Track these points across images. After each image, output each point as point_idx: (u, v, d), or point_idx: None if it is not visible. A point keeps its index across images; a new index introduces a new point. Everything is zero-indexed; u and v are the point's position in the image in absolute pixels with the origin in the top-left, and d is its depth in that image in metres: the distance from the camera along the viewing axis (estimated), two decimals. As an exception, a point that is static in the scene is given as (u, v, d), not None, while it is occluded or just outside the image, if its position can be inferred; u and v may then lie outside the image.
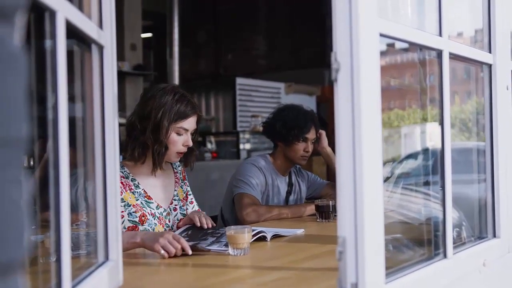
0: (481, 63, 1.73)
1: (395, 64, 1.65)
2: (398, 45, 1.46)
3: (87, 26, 1.13)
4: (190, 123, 2.13)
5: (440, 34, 1.43)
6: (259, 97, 7.60)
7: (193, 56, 9.25)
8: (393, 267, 1.23)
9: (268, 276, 1.56)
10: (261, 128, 3.30)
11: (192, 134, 2.17)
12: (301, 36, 8.63)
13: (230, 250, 1.78)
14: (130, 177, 2.13)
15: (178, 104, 2.09)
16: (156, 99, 2.09)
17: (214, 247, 1.85)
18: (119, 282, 1.31)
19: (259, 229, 2.06)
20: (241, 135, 7.03)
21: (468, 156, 1.93)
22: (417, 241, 1.61)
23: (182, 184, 2.31)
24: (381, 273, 1.13)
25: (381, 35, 1.16)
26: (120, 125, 1.51)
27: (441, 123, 1.44)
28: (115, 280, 1.28)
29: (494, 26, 1.72)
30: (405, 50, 1.62)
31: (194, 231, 2.05)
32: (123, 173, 2.11)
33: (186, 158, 2.23)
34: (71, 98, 1.05)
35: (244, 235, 1.77)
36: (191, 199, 2.34)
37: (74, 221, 1.06)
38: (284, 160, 2.85)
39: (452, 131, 1.46)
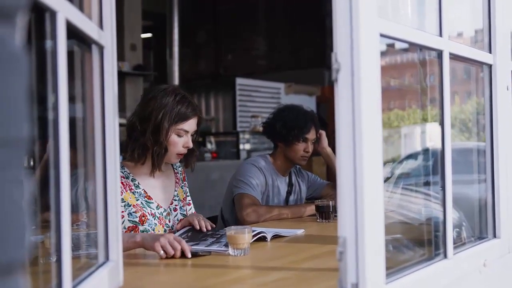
0: (481, 63, 1.73)
1: (395, 64, 1.65)
2: (398, 45, 1.46)
3: (88, 26, 1.13)
4: (190, 125, 2.13)
5: (440, 34, 1.43)
6: (259, 97, 7.61)
7: (193, 56, 9.26)
8: (393, 267, 1.23)
9: (268, 276, 1.56)
10: (261, 129, 3.30)
11: (192, 135, 2.17)
12: (301, 36, 8.63)
13: (230, 251, 1.78)
14: (131, 177, 2.13)
15: (179, 106, 2.09)
16: (157, 100, 2.09)
17: (214, 247, 1.85)
18: (119, 283, 1.31)
19: (259, 229, 2.06)
20: (241, 135, 7.03)
21: (468, 156, 1.93)
22: (417, 242, 1.61)
23: (182, 184, 2.31)
24: (381, 273, 1.13)
25: (382, 35, 1.16)
26: (120, 125, 1.51)
27: (441, 123, 1.44)
28: (115, 280, 1.28)
29: (494, 26, 1.72)
30: (405, 50, 1.62)
31: (194, 233, 2.05)
32: (123, 173, 2.11)
33: (187, 159, 2.23)
34: (72, 98, 1.05)
35: (244, 235, 1.77)
36: (189, 200, 2.34)
37: (74, 222, 1.06)
38: (284, 160, 2.85)
39: (452, 131, 1.46)
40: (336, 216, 2.45)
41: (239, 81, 7.52)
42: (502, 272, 1.76)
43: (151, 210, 2.12)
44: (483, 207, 1.77)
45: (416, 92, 1.81)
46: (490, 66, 1.73)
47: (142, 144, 2.08)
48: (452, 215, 1.44)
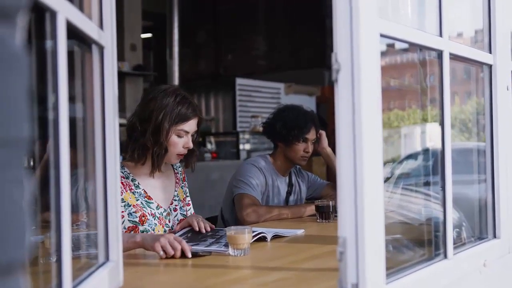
0: (481, 63, 1.73)
1: (395, 64, 1.65)
2: (398, 45, 1.46)
3: (88, 26, 1.13)
4: (191, 126, 2.13)
5: (441, 35, 1.43)
6: (259, 98, 7.60)
7: (193, 56, 9.25)
8: (393, 267, 1.23)
9: (269, 276, 1.56)
10: (261, 129, 3.30)
11: (192, 136, 2.17)
12: (301, 37, 8.63)
13: (230, 251, 1.78)
14: (131, 177, 2.13)
15: (179, 106, 2.09)
16: (157, 100, 2.08)
17: (214, 247, 1.85)
18: (120, 283, 1.31)
19: (259, 229, 2.06)
20: (241, 136, 7.03)
21: (468, 156, 1.93)
22: (417, 242, 1.61)
23: (182, 185, 2.31)
24: (381, 273, 1.13)
25: (382, 35, 1.16)
26: (120, 125, 1.51)
27: (442, 124, 1.44)
28: (115, 280, 1.28)
29: (495, 26, 1.72)
30: (405, 50, 1.62)
31: (193, 234, 2.06)
32: (123, 173, 2.11)
33: (187, 159, 2.23)
34: (72, 98, 1.05)
35: (244, 235, 1.77)
36: (188, 201, 2.34)
37: (74, 222, 1.06)
38: (284, 160, 2.85)
39: (452, 131, 1.46)
40: (336, 216, 2.45)
41: (239, 81, 7.52)
42: (502, 272, 1.76)
43: (151, 210, 2.12)
44: (483, 207, 1.77)
45: (416, 92, 1.81)
46: (490, 66, 1.73)
47: (142, 144, 2.08)
48: (452, 215, 1.44)
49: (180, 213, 2.24)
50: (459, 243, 1.58)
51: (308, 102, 6.85)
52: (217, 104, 8.01)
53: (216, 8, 9.39)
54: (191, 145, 2.15)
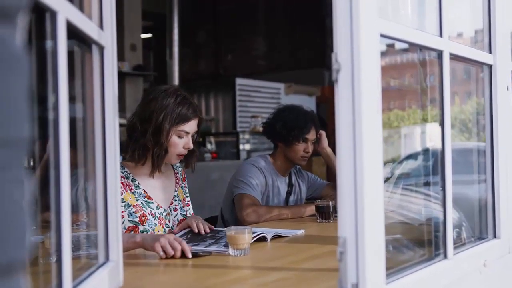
0: (481, 63, 1.73)
1: (395, 64, 1.65)
2: (398, 45, 1.46)
3: (88, 26, 1.13)
4: (191, 126, 2.13)
5: (441, 35, 1.43)
6: (259, 98, 7.60)
7: (193, 56, 9.25)
8: (393, 267, 1.23)
9: (269, 276, 1.56)
10: (261, 129, 3.30)
11: (192, 136, 2.17)
12: (301, 37, 8.63)
13: (230, 251, 1.78)
14: (131, 178, 2.13)
15: (180, 107, 2.09)
16: (158, 101, 2.08)
17: (214, 248, 1.85)
18: (120, 283, 1.31)
19: (259, 230, 2.06)
20: (241, 136, 7.03)
21: (468, 156, 1.93)
22: (417, 242, 1.61)
23: (182, 185, 2.31)
24: (381, 273, 1.13)
25: (382, 35, 1.16)
26: (120, 125, 1.51)
27: (442, 124, 1.44)
28: (115, 280, 1.28)
29: (495, 26, 1.72)
30: (405, 50, 1.62)
31: (193, 235, 2.06)
32: (123, 173, 2.11)
33: (187, 159, 2.23)
34: (72, 98, 1.05)
35: (244, 235, 1.77)
36: (188, 201, 2.34)
37: (74, 222, 1.06)
38: (284, 160, 2.85)
39: (452, 131, 1.46)
40: (336, 216, 2.45)
41: (239, 81, 7.52)
42: (502, 272, 1.76)
43: (151, 210, 2.12)
44: (483, 207, 1.77)
45: (416, 92, 1.81)
46: (490, 66, 1.73)
47: (143, 145, 2.08)
48: (452, 215, 1.44)
49: (180, 213, 2.24)
50: (459, 243, 1.58)
51: (308, 102, 6.84)
52: (217, 104, 8.01)
53: (216, 8, 9.39)
54: (191, 146, 2.15)
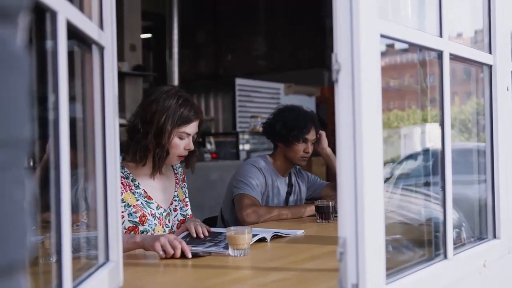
0: (481, 64, 1.73)
1: (395, 64, 1.65)
2: (398, 45, 1.46)
3: (88, 26, 1.13)
4: (192, 128, 2.13)
5: (441, 35, 1.43)
6: (259, 98, 7.60)
7: (193, 56, 9.25)
8: (393, 267, 1.23)
9: (268, 277, 1.56)
10: (261, 129, 3.30)
11: (193, 137, 2.17)
12: (300, 37, 8.63)
13: (230, 251, 1.78)
14: (131, 178, 2.13)
15: (181, 109, 2.09)
16: (159, 102, 2.08)
17: (213, 249, 1.85)
18: (120, 283, 1.31)
19: (259, 231, 2.06)
20: (240, 136, 7.03)
21: (468, 156, 1.93)
22: (417, 242, 1.61)
23: (182, 185, 2.31)
24: (381, 273, 1.13)
25: (382, 36, 1.16)
26: (120, 125, 1.51)
27: (442, 124, 1.45)
28: (115, 281, 1.28)
29: (494, 26, 1.72)
30: (405, 50, 1.62)
31: (192, 238, 2.05)
32: (123, 173, 2.11)
33: (188, 160, 2.23)
34: (72, 99, 1.05)
35: (244, 236, 1.77)
36: (186, 201, 2.33)
37: (74, 222, 1.06)
38: (284, 160, 2.85)
39: (452, 131, 1.46)
40: (336, 216, 2.45)
41: (239, 81, 7.52)
42: (502, 272, 1.76)
43: (151, 211, 2.12)
44: (483, 208, 1.77)
45: (416, 92, 1.81)
46: (490, 66, 1.74)
47: (144, 146, 2.08)
48: (452, 216, 1.44)
49: (180, 214, 2.24)
50: (459, 244, 1.58)
51: (307, 103, 6.85)
52: (217, 104, 8.01)
53: (216, 8, 9.39)
54: (192, 147, 2.15)
